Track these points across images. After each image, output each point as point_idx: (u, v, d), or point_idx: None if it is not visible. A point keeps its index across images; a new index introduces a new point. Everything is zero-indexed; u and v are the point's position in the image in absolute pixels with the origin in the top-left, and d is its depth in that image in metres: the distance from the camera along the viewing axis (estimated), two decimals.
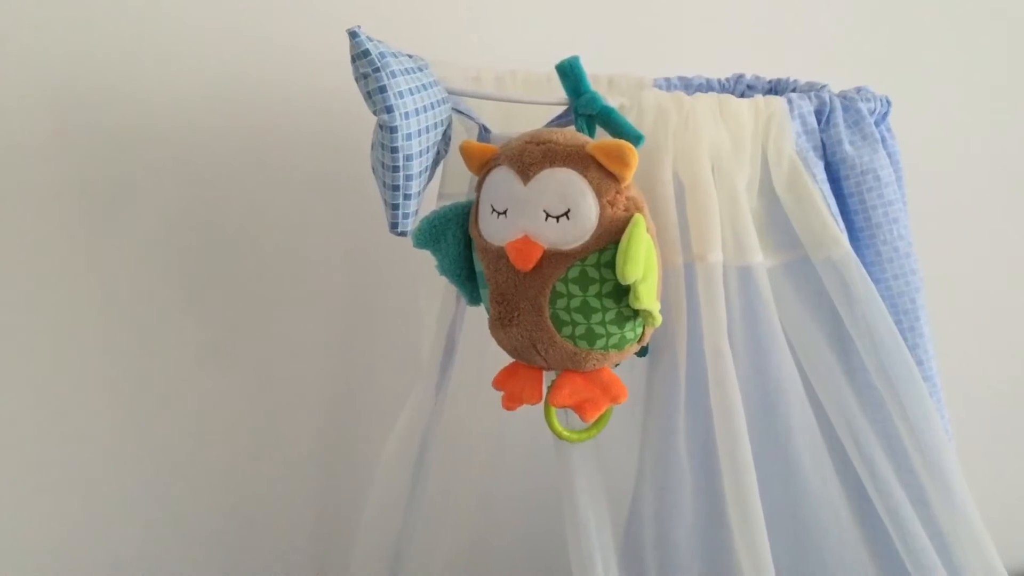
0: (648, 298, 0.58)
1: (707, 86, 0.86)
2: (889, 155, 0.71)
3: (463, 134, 0.73)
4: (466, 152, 0.64)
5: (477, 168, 0.63)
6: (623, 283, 0.57)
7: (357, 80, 0.60)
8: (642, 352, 0.66)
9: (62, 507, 0.89)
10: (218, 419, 0.94)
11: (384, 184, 0.62)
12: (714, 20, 1.04)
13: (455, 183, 0.76)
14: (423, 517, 0.85)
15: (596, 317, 0.59)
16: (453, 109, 0.67)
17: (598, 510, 0.66)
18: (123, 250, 0.86)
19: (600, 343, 0.60)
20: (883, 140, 0.71)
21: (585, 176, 0.58)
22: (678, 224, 0.64)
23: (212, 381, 0.93)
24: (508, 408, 0.65)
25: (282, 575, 0.99)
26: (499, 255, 0.61)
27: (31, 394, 0.86)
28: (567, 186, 0.58)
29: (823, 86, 0.75)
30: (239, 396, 0.94)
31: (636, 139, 0.60)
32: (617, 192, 0.58)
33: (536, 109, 0.66)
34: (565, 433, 0.64)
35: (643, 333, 0.62)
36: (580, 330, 0.59)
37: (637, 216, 0.58)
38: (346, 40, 0.59)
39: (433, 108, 0.62)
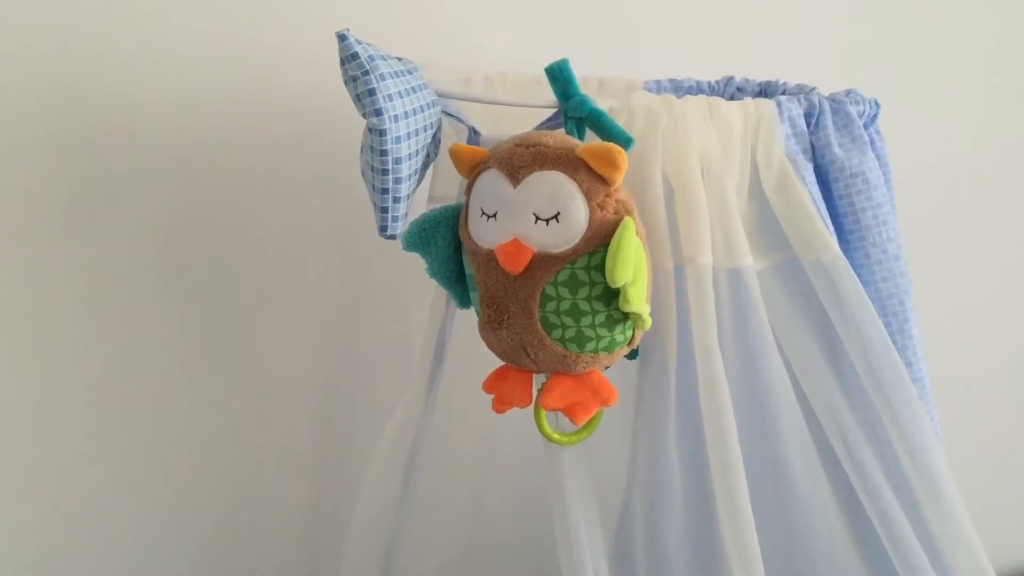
0: (638, 301, 0.58)
1: (697, 88, 0.87)
2: (878, 157, 0.71)
3: (453, 137, 0.72)
4: (456, 155, 0.63)
5: (467, 171, 0.63)
6: (613, 286, 0.57)
7: (346, 83, 0.59)
8: (632, 355, 0.66)
9: (51, 509, 0.89)
10: (209, 420, 0.93)
11: (373, 187, 0.62)
12: (704, 23, 1.04)
13: (445, 186, 0.76)
14: (414, 519, 0.85)
15: (586, 320, 0.59)
16: (443, 112, 0.67)
17: (588, 513, 0.66)
18: (113, 251, 0.86)
19: (590, 346, 0.60)
20: (872, 142, 0.71)
21: (575, 179, 0.58)
22: (668, 227, 0.64)
23: (203, 383, 0.92)
24: (498, 411, 0.65)
25: None
26: (489, 258, 0.60)
27: (20, 394, 0.85)
28: (557, 189, 0.58)
29: (812, 89, 0.75)
30: (230, 398, 0.94)
31: (626, 142, 0.60)
32: (607, 195, 0.58)
33: (526, 112, 0.66)
34: (555, 436, 0.64)
35: (633, 336, 0.62)
36: (570, 333, 0.59)
37: (627, 219, 0.58)
38: (335, 43, 0.59)
39: (423, 111, 0.62)
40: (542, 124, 0.66)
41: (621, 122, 0.62)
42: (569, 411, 0.62)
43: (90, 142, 0.83)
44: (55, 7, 0.80)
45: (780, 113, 0.67)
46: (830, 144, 0.69)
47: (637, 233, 0.58)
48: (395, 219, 0.63)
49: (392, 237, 0.64)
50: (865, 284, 0.69)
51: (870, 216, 0.70)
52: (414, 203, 0.65)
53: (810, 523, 0.71)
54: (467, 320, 0.69)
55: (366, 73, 0.58)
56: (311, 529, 1.01)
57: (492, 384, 0.65)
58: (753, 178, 0.68)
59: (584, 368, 0.61)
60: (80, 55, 0.81)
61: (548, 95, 0.64)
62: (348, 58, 0.58)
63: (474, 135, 0.70)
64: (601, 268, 0.57)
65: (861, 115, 0.70)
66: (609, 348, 0.61)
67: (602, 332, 0.59)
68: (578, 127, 0.63)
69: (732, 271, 0.66)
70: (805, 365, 0.69)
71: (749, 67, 0.87)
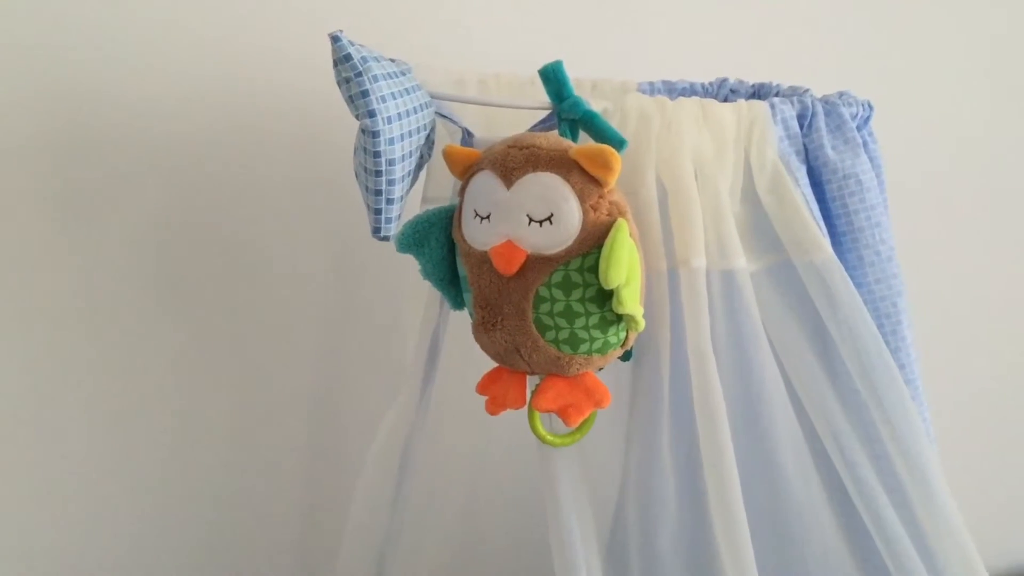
0: (631, 302, 0.58)
1: (690, 90, 0.87)
2: (871, 159, 0.72)
3: (446, 138, 0.72)
4: (449, 156, 0.63)
5: (460, 172, 0.63)
6: (606, 287, 0.57)
7: (339, 84, 0.59)
8: (626, 356, 0.66)
9: (45, 510, 0.88)
10: (202, 423, 0.93)
11: (367, 188, 0.62)
12: (698, 25, 1.04)
13: (438, 187, 0.76)
14: (408, 521, 0.85)
15: (579, 321, 0.59)
16: (436, 113, 0.66)
17: (582, 514, 0.66)
18: (104, 253, 0.86)
19: (583, 347, 0.60)
20: (865, 144, 0.71)
21: (568, 180, 0.58)
22: (661, 228, 0.64)
23: (196, 385, 0.92)
24: (492, 412, 0.65)
25: None
26: (482, 259, 0.60)
27: (15, 396, 0.85)
28: (550, 190, 0.58)
29: (806, 90, 0.76)
30: (223, 400, 0.94)
31: (619, 144, 0.60)
32: (600, 196, 0.58)
33: (519, 113, 0.66)
34: (549, 437, 0.64)
35: (626, 337, 0.62)
36: (563, 334, 0.59)
37: (620, 220, 0.58)
38: (328, 44, 0.58)
39: (416, 112, 0.62)
40: (535, 126, 0.66)
41: (614, 124, 0.62)
42: (563, 413, 0.62)
43: (85, 143, 0.83)
44: (52, 8, 0.80)
45: (773, 115, 0.68)
46: (823, 146, 0.69)
47: (631, 235, 0.58)
48: (388, 220, 0.63)
49: (385, 238, 0.64)
50: (858, 286, 0.69)
51: (863, 218, 0.70)
52: (408, 205, 0.65)
53: (803, 524, 0.72)
54: (461, 322, 0.69)
55: (359, 75, 0.58)
56: (305, 531, 1.01)
57: (485, 386, 0.65)
58: (746, 180, 0.68)
59: (577, 370, 0.61)
60: (77, 56, 0.81)
61: (542, 97, 0.64)
62: (341, 59, 0.58)
63: (467, 137, 0.69)
64: (594, 270, 0.57)
65: (854, 117, 0.71)
66: (602, 350, 0.61)
67: (595, 334, 0.59)
68: (572, 129, 0.63)
69: (725, 273, 0.66)
70: (798, 367, 0.69)
71: (742, 69, 0.87)
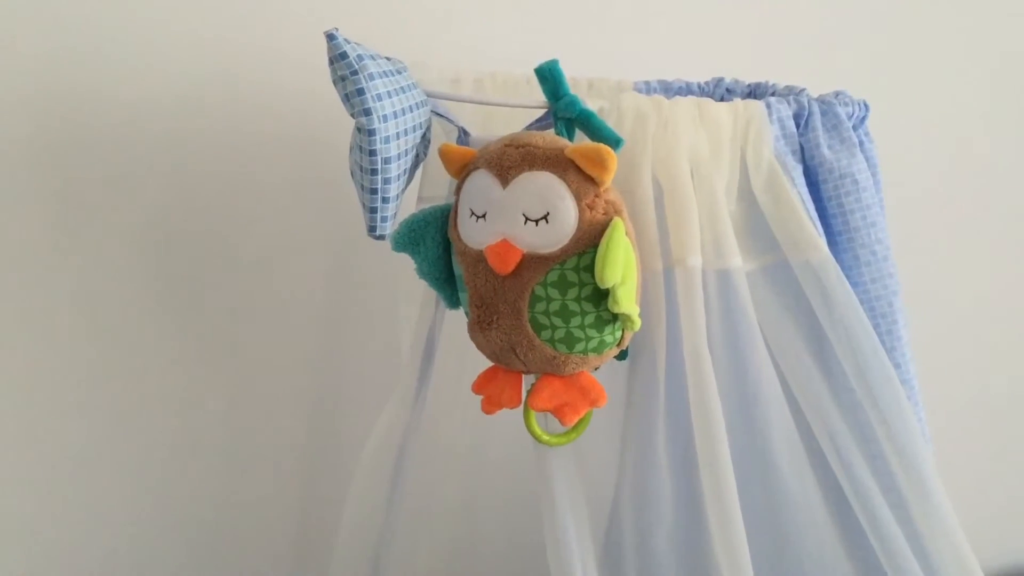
0: (627, 302, 0.58)
1: (686, 90, 0.87)
2: (867, 159, 0.72)
3: (442, 137, 0.72)
4: (445, 155, 0.63)
5: (456, 171, 0.63)
6: (602, 287, 0.57)
7: (335, 83, 0.59)
8: (622, 356, 0.66)
9: (42, 511, 0.88)
10: (198, 423, 0.93)
11: (362, 187, 0.62)
12: (694, 24, 1.04)
13: (434, 186, 0.76)
14: (403, 521, 0.85)
15: (575, 321, 0.59)
16: (432, 112, 0.66)
17: (577, 514, 0.66)
18: (104, 253, 0.86)
19: (579, 347, 0.60)
20: (861, 144, 0.71)
21: (564, 180, 0.58)
22: (657, 227, 0.64)
23: (191, 385, 0.92)
24: (487, 412, 0.64)
25: None
26: (478, 259, 0.60)
27: (12, 396, 0.85)
28: (546, 190, 0.58)
29: (802, 90, 0.75)
30: (219, 400, 0.93)
31: (615, 143, 0.60)
32: (596, 196, 0.58)
33: (515, 112, 0.66)
34: (545, 437, 0.64)
35: (622, 337, 0.62)
36: (559, 334, 0.59)
37: (616, 220, 0.58)
38: (324, 42, 0.58)
39: (412, 111, 0.62)
40: (532, 124, 0.66)
41: (611, 123, 0.62)
42: (558, 412, 0.62)
43: (84, 143, 0.83)
44: (52, 8, 0.80)
45: (769, 114, 0.67)
46: (819, 145, 0.69)
47: (627, 234, 0.58)
48: (384, 219, 0.63)
49: (381, 237, 0.63)
50: (854, 285, 0.69)
51: (859, 217, 0.70)
52: (403, 203, 0.65)
53: (799, 524, 0.72)
54: (456, 321, 0.69)
55: (355, 72, 0.58)
56: (300, 531, 1.00)
57: (481, 385, 0.65)
58: (742, 179, 0.68)
59: (573, 369, 0.61)
60: (76, 56, 0.81)
61: (538, 96, 0.64)
62: (337, 57, 0.58)
63: (463, 135, 0.69)
64: (590, 269, 0.57)
65: (850, 116, 0.71)
66: (598, 349, 0.61)
67: (591, 333, 0.59)
68: (568, 128, 0.63)
69: (721, 272, 0.66)
70: (794, 366, 0.69)
71: (738, 68, 0.87)
